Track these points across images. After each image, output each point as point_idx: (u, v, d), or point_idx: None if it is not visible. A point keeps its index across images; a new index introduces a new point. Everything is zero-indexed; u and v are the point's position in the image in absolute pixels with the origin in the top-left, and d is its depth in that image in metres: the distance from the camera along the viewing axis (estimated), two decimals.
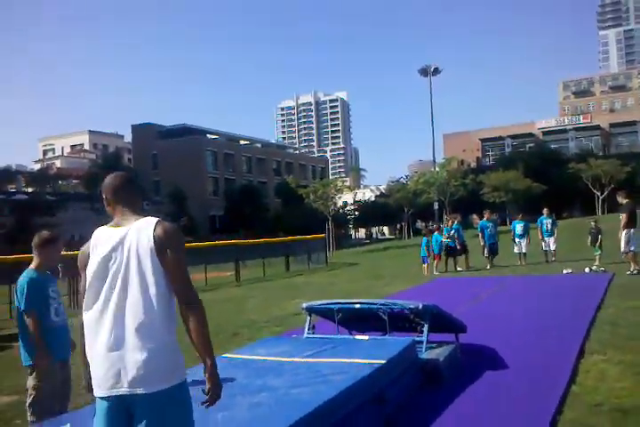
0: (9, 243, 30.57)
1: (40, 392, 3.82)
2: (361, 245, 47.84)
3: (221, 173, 63.47)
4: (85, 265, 2.39)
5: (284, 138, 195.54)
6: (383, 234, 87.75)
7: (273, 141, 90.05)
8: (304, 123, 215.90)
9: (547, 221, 16.17)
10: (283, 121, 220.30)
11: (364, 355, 4.30)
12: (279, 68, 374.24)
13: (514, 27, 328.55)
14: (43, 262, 4.02)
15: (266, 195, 62.38)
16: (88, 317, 2.34)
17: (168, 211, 53.84)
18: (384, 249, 33.92)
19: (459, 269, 15.97)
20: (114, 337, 2.25)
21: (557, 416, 3.97)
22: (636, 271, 11.79)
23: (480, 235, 16.08)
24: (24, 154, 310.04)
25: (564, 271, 13.12)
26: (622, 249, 12.17)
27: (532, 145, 69.93)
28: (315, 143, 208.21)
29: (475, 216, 56.80)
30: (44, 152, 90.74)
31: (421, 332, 5.27)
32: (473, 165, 68.97)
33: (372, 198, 72.86)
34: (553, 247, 16.03)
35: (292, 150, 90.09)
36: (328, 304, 5.70)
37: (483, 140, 75.12)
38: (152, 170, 61.64)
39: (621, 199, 12.49)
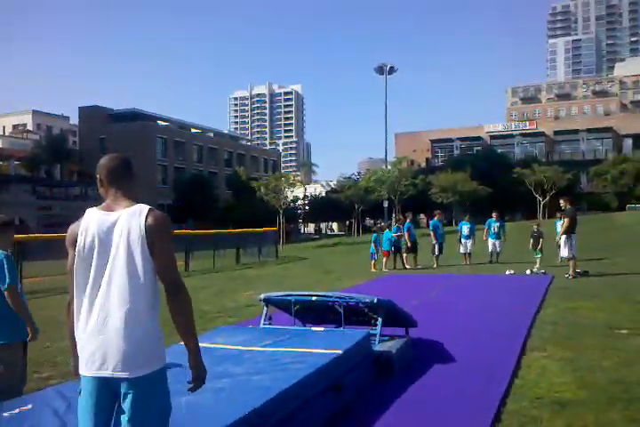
0: None
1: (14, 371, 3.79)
2: (311, 240, 48.09)
3: (171, 162, 62.35)
4: (73, 244, 2.40)
5: (236, 128, 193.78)
6: (332, 230, 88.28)
7: (225, 131, 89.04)
8: (257, 114, 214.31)
9: (494, 225, 16.74)
10: (235, 111, 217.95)
11: (322, 345, 4.44)
12: (234, 58, 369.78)
13: (469, 31, 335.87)
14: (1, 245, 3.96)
15: (216, 186, 61.70)
16: (77, 299, 2.37)
17: None
18: (334, 245, 34.23)
19: (407, 266, 16.36)
20: (100, 322, 2.29)
21: (501, 408, 4.19)
22: (573, 275, 12.37)
23: (432, 234, 16.54)
24: None
25: (507, 272, 13.65)
26: (562, 254, 12.68)
27: (479, 148, 71.74)
28: (267, 135, 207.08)
29: (422, 216, 58.07)
30: None
31: (375, 325, 5.44)
32: (422, 165, 70.21)
33: (323, 194, 73.15)
34: (498, 249, 16.68)
35: (244, 142, 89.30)
36: (285, 296, 5.79)
37: (433, 141, 76.45)
38: (99, 154, 59.82)
39: (565, 205, 13.02)
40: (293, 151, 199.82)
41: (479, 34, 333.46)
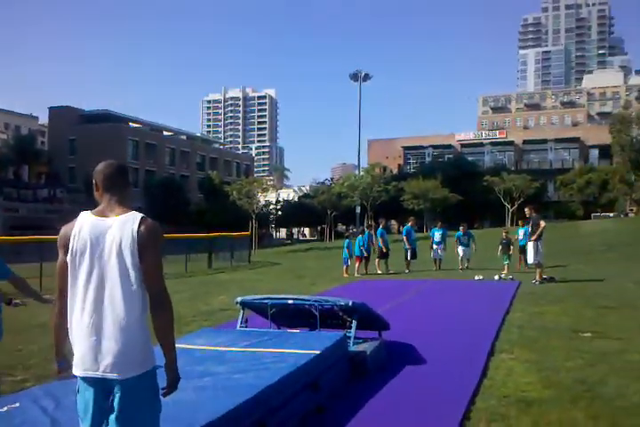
0: None
1: None
2: (283, 246, 48.08)
3: (142, 164, 61.67)
4: (63, 246, 2.48)
5: (209, 132, 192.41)
6: (304, 235, 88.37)
7: (198, 135, 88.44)
8: (230, 118, 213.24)
9: (463, 238, 16.93)
10: (208, 114, 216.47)
11: (300, 346, 4.57)
12: (207, 60, 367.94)
13: (443, 39, 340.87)
14: None
15: (188, 189, 61.28)
16: (69, 301, 2.46)
17: (84, 200, 51.77)
18: (306, 250, 34.34)
19: (379, 271, 16.58)
20: (92, 325, 2.38)
21: (470, 406, 4.38)
22: (539, 281, 12.73)
23: (405, 239, 16.81)
24: None
25: (476, 278, 13.98)
26: (529, 260, 13.04)
27: (450, 156, 72.82)
28: (240, 139, 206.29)
29: (394, 222, 58.62)
30: None
31: (350, 328, 5.59)
32: (395, 171, 70.91)
33: (295, 199, 73.26)
34: (467, 256, 16.91)
35: (217, 145, 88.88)
36: (262, 299, 5.90)
37: (405, 148, 77.29)
38: (68, 155, 59.06)
39: (529, 212, 13.38)
40: (266, 156, 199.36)
41: (453, 43, 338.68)
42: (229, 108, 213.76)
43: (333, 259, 20.48)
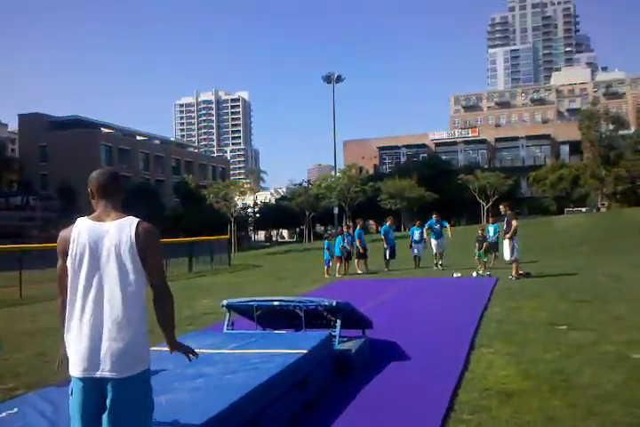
0: None
1: None
2: (262, 248, 48.05)
3: (116, 170, 60.97)
4: (63, 251, 2.60)
5: (183, 136, 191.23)
6: (283, 237, 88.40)
7: (172, 139, 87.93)
8: (204, 121, 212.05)
9: (436, 226, 16.93)
10: (181, 118, 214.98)
11: (287, 346, 4.69)
12: (179, 63, 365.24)
13: (415, 39, 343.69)
14: None
15: (164, 194, 60.84)
16: (68, 304, 2.55)
17: (58, 207, 51.04)
18: (285, 252, 34.42)
19: (358, 271, 16.76)
20: (92, 326, 2.49)
21: (454, 399, 4.53)
22: (516, 276, 13.01)
23: (383, 238, 17.00)
24: None
25: (454, 275, 14.23)
26: (506, 257, 13.24)
27: (425, 155, 73.57)
28: (214, 142, 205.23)
29: (372, 222, 58.94)
30: None
31: (334, 327, 5.71)
32: (371, 171, 71.40)
33: (272, 201, 73.24)
34: (441, 250, 16.99)
35: (192, 149, 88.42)
36: (248, 302, 6.00)
37: (380, 149, 77.88)
38: (40, 162, 58.22)
39: (504, 210, 13.66)
40: (241, 158, 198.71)
41: (424, 43, 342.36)
42: (203, 112, 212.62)
43: (313, 260, 20.62)
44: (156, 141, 73.38)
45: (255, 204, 66.85)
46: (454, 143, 75.48)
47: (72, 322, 2.54)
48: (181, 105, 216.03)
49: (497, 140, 74.41)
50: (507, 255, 13.09)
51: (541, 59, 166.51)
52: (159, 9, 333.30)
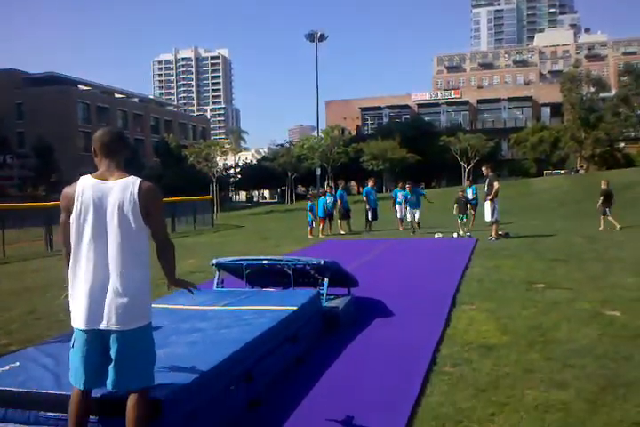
0: None
1: None
2: (244, 209, 48.02)
3: (94, 128, 59.29)
4: (68, 207, 2.67)
5: (161, 94, 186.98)
6: (264, 198, 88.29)
7: (151, 97, 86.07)
8: (183, 79, 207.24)
9: (411, 197, 16.90)
10: (160, 75, 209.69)
11: (278, 303, 4.84)
12: (157, 19, 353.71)
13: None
14: None
15: (143, 153, 59.97)
16: (72, 259, 2.63)
17: (34, 165, 50.14)
18: (268, 213, 34.51)
19: (341, 232, 16.95)
20: (97, 280, 2.59)
21: (436, 353, 4.74)
22: (495, 237, 13.29)
23: (365, 200, 17.12)
24: None
25: (436, 236, 14.48)
26: (487, 218, 13.46)
27: (407, 116, 73.18)
28: (194, 102, 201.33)
29: (354, 183, 59.04)
30: None
31: (322, 285, 5.87)
32: (353, 132, 70.98)
33: (254, 161, 72.75)
34: (418, 220, 16.94)
35: (171, 108, 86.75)
36: (237, 260, 6.12)
37: (363, 109, 77.16)
38: (16, 120, 56.79)
39: (486, 172, 13.82)
40: (222, 118, 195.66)
41: (409, 2, 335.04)
42: (181, 69, 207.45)
43: (295, 220, 20.75)
44: (135, 99, 71.77)
45: (237, 164, 66.31)
46: (437, 104, 75.01)
47: (77, 276, 2.63)
48: (160, 62, 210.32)
49: (479, 101, 74.08)
50: (487, 216, 13.31)
51: (525, 19, 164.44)
52: None
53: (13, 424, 2.80)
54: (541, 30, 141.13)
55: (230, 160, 56.42)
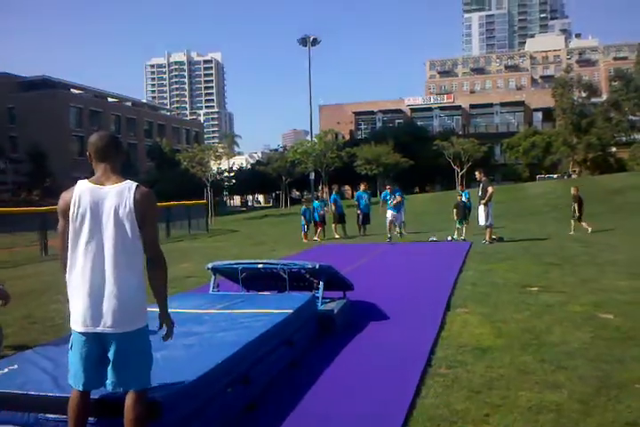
0: None
1: None
2: (238, 213, 47.98)
3: (87, 132, 59.28)
4: (64, 212, 2.69)
5: (154, 98, 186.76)
6: (259, 202, 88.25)
7: (144, 101, 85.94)
8: (176, 83, 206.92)
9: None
10: (152, 79, 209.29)
11: (274, 306, 4.87)
12: (149, 22, 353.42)
13: (391, 4, 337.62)
14: None
15: (136, 157, 59.83)
16: (69, 263, 2.67)
17: (27, 170, 49.92)
18: (262, 217, 34.49)
19: (336, 236, 16.99)
20: (94, 284, 2.63)
21: (431, 355, 4.78)
22: (489, 241, 13.36)
23: (357, 204, 17.18)
24: None
25: (430, 239, 14.54)
26: (481, 222, 13.51)
27: (400, 121, 73.36)
28: (187, 106, 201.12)
29: (347, 187, 59.13)
30: None
31: (317, 289, 5.91)
32: (347, 137, 71.07)
33: (248, 166, 72.70)
34: (400, 221, 16.93)
35: (164, 112, 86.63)
36: (232, 264, 6.14)
37: (356, 114, 77.31)
38: (9, 125, 56.59)
39: (480, 177, 13.91)
40: (215, 122, 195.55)
41: (400, 7, 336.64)
42: (174, 73, 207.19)
43: (290, 225, 20.77)
44: (128, 103, 71.65)
45: (231, 169, 66.20)
46: (429, 109, 75.25)
47: (74, 280, 2.66)
48: (152, 66, 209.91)
49: (471, 106, 74.39)
50: (482, 221, 13.39)
51: (516, 24, 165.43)
52: None
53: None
54: (532, 35, 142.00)
55: (224, 164, 56.36)
